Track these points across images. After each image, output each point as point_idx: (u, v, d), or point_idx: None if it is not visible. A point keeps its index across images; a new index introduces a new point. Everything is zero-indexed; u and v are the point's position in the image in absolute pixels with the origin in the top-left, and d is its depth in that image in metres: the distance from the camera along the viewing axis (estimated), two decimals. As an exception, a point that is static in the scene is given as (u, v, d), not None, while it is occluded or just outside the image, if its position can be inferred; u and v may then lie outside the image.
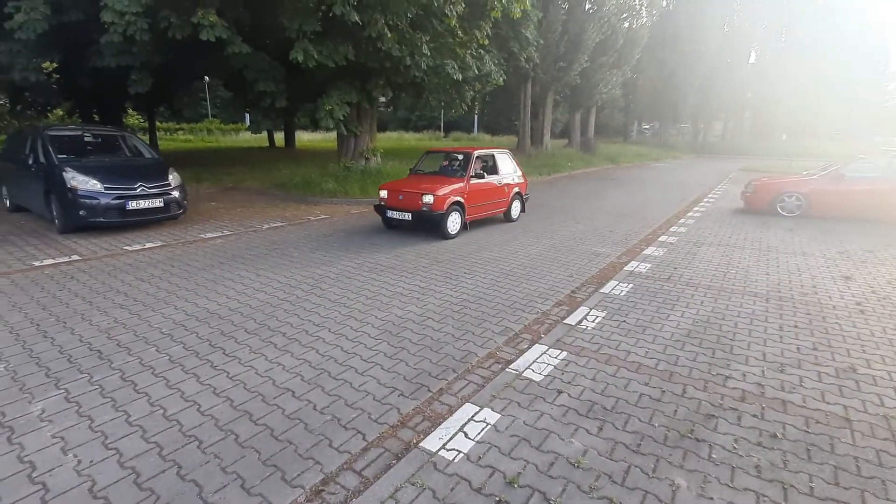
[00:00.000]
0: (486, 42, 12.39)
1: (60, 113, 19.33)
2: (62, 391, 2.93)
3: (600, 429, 2.68)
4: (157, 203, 7.26)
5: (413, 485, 2.22)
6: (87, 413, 2.72)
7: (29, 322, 3.95)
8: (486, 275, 5.54)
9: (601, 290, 5.03)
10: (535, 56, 17.84)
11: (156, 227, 7.61)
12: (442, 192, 6.98)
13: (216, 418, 2.70)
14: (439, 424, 2.69)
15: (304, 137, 32.51)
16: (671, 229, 8.40)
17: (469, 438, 2.56)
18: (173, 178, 7.68)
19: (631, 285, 5.23)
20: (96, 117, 16.79)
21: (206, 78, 20.94)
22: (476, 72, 12.59)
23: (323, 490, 2.19)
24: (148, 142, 10.92)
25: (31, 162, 7.44)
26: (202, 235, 7.18)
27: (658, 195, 13.15)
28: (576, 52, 21.72)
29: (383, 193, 7.50)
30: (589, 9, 22.41)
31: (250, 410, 2.78)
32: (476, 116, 43.15)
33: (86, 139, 8.13)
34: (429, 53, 10.66)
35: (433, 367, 3.35)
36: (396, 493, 2.17)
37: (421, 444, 2.50)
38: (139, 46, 8.74)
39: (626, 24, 26.19)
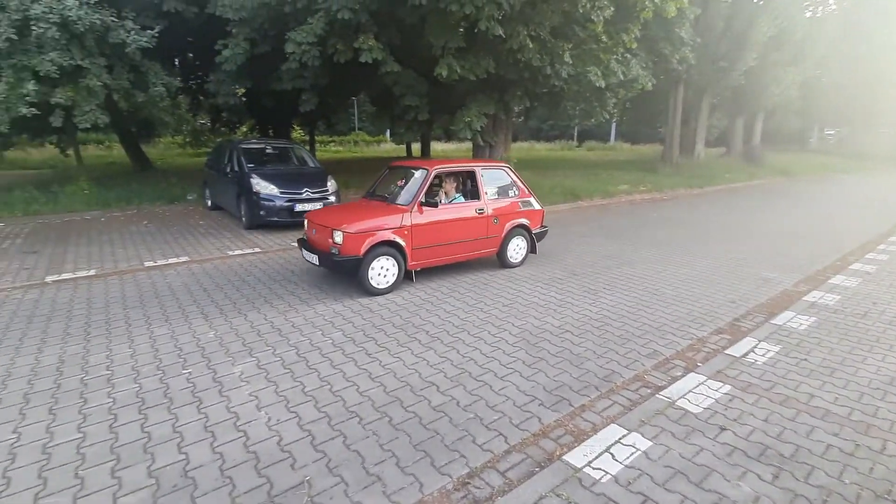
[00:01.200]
0: (634, 45, 11.66)
1: (244, 129, 23.31)
2: (254, 359, 3.52)
3: (775, 476, 2.33)
4: (318, 206, 8.28)
5: (558, 496, 2.17)
6: (273, 379, 3.22)
7: (228, 300, 4.82)
8: (629, 292, 5.20)
9: (772, 321, 4.36)
10: (690, 57, 16.11)
11: (316, 226, 8.67)
12: (358, 226, 4.82)
13: (373, 400, 2.98)
14: (583, 441, 2.59)
15: (437, 147, 34.21)
16: (867, 256, 6.91)
17: (616, 461, 2.43)
18: (331, 184, 8.72)
19: (813, 318, 4.44)
20: (271, 132, 19.87)
21: (357, 95, 23.28)
22: (621, 77, 11.94)
23: (469, 483, 2.27)
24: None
25: (228, 170, 9.08)
26: (353, 236, 7.98)
27: (847, 214, 10.96)
28: (741, 49, 19.12)
29: (307, 224, 5.55)
30: (758, 0, 19.68)
31: (401, 398, 3.01)
32: (614, 124, 40.81)
33: (267, 151, 9.68)
34: (570, 61, 10.42)
35: (574, 382, 3.25)
36: (541, 500, 2.15)
37: (564, 457, 2.44)
38: (310, 71, 10.14)
39: (808, 14, 22.39)
